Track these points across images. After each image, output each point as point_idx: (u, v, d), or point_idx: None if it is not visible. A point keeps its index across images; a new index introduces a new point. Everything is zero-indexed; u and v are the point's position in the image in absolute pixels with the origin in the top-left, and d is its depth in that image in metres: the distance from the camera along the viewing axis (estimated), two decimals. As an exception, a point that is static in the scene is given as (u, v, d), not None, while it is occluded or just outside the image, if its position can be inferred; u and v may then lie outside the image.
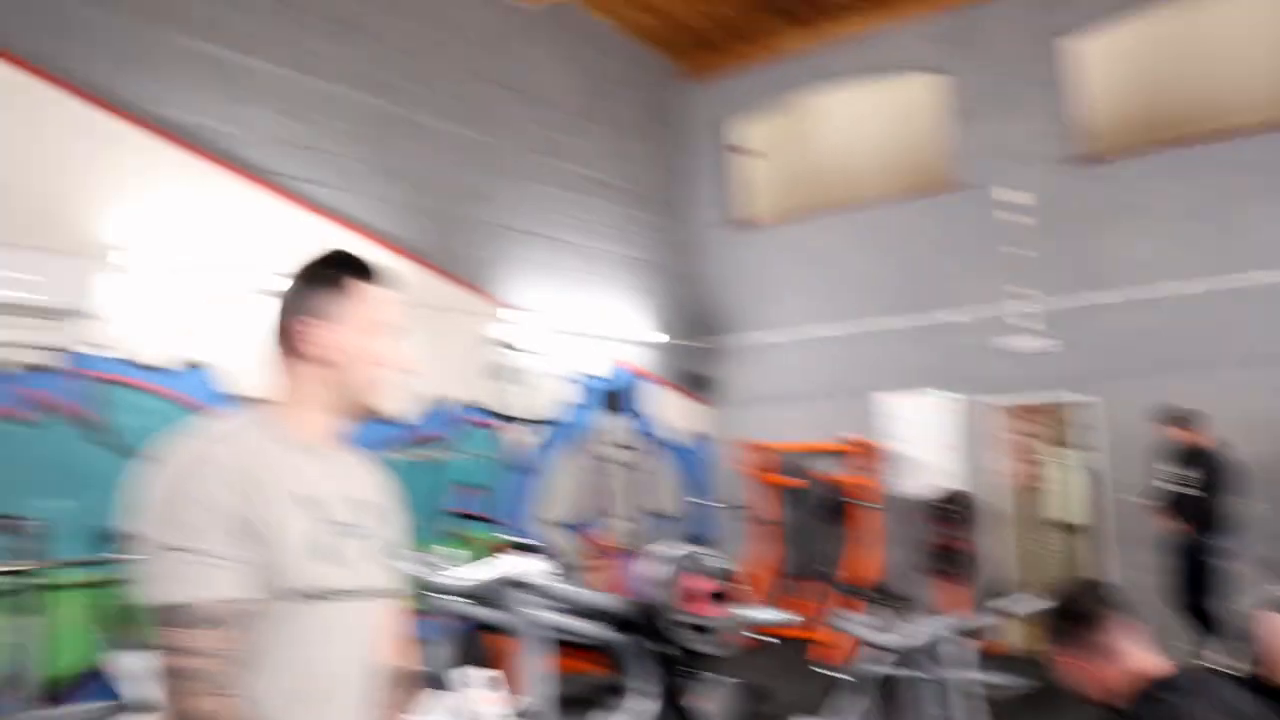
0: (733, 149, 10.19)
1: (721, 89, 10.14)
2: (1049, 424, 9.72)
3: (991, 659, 6.94)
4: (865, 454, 8.66)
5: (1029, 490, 9.50)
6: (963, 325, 8.58)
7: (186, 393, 5.83)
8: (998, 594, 6.47)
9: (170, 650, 1.45)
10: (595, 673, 6.85)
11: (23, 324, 5.18)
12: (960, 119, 8.78)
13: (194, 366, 5.90)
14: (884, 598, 7.00)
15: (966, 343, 8.56)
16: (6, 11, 5.24)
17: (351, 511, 1.65)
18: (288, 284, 1.69)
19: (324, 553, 1.56)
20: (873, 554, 8.58)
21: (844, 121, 10.52)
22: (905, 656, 5.98)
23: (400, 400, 1.42)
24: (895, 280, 9.00)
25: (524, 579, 3.12)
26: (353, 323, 1.65)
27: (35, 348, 5.21)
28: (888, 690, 6.13)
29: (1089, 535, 9.31)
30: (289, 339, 1.65)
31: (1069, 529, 9.57)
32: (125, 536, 1.46)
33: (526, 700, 3.52)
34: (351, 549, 1.61)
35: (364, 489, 1.72)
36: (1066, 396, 8.44)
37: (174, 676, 1.45)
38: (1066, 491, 9.63)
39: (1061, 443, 9.79)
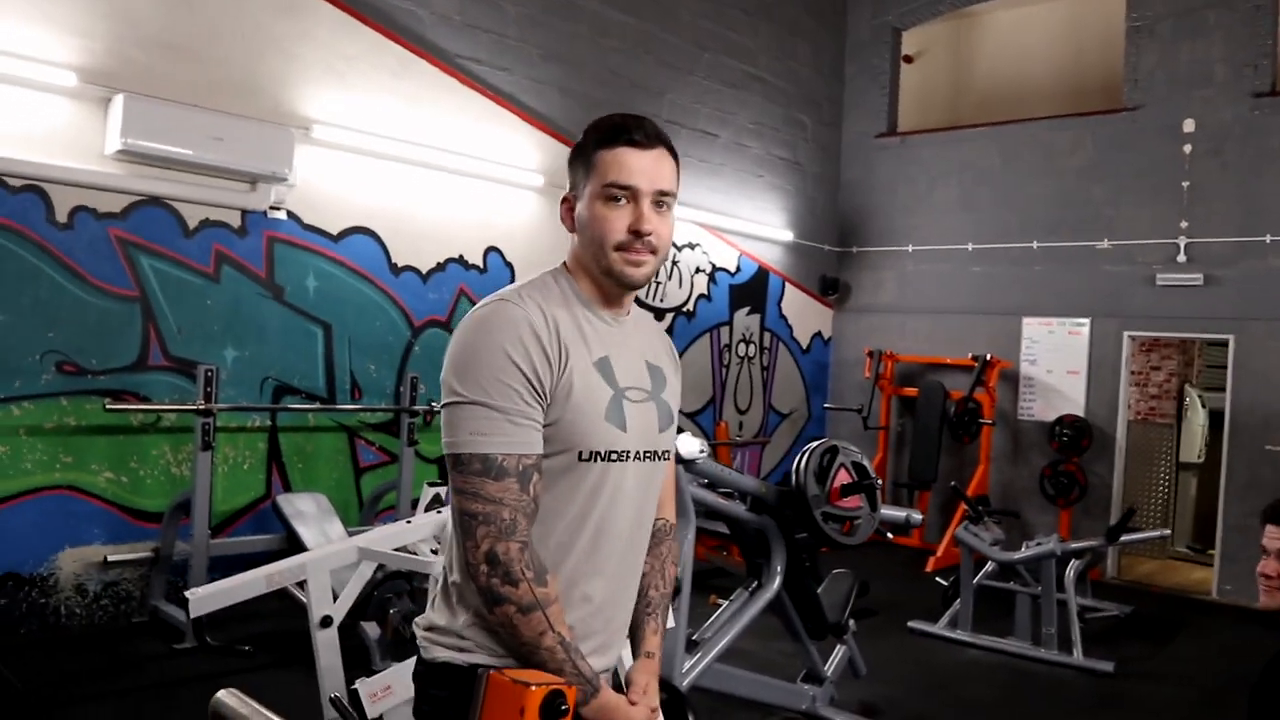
0: (895, 58, 10.02)
1: (893, -4, 9.94)
2: (1181, 359, 9.60)
3: (1090, 584, 7.13)
4: (991, 372, 8.73)
5: (1151, 424, 9.47)
6: (1105, 253, 8.46)
7: (355, 260, 6.25)
8: (1116, 522, 6.59)
9: (464, 495, 1.50)
10: (711, 558, 7.28)
11: (217, 184, 5.63)
12: (1134, 38, 8.44)
13: (364, 235, 6.30)
14: (993, 513, 7.21)
15: (1108, 271, 8.46)
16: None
17: (638, 376, 1.68)
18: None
19: (613, 417, 1.60)
20: (986, 471, 8.74)
21: (1010, 36, 10.24)
22: (1010, 570, 6.21)
23: (650, 267, 1.44)
24: (1041, 203, 8.87)
25: (686, 456, 3.42)
26: (591, 192, 1.62)
27: (226, 207, 5.66)
28: (990, 600, 6.38)
29: (1204, 474, 9.28)
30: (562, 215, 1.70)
31: (1186, 466, 9.55)
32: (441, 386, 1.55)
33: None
34: (635, 412, 1.64)
35: (651, 352, 1.74)
36: (1202, 334, 8.33)
37: (466, 519, 1.50)
38: (1189, 429, 9.56)
39: (1190, 379, 9.68)
